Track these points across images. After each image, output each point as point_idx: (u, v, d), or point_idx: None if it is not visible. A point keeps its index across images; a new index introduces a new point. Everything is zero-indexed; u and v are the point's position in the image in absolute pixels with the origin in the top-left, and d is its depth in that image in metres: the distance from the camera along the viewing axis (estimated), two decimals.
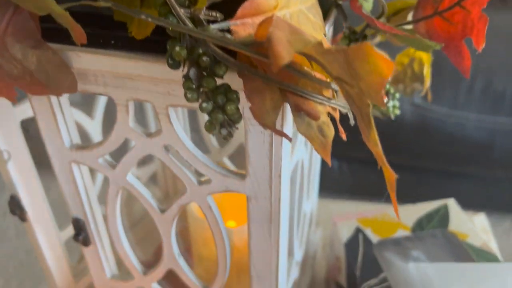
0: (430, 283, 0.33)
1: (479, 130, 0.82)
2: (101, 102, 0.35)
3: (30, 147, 0.31)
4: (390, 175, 0.13)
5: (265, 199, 0.23)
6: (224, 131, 0.16)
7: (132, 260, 0.30)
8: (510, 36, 0.83)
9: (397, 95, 0.28)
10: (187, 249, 0.38)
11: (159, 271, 0.29)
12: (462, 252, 0.36)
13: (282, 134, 0.16)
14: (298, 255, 0.34)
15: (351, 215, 0.39)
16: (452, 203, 0.40)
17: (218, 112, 0.16)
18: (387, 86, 0.27)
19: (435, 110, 0.82)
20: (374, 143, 0.14)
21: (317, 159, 0.38)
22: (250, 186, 0.23)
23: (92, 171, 0.32)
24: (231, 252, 0.32)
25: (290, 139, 0.17)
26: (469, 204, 0.53)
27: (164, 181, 0.45)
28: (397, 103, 0.28)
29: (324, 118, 0.18)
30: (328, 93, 0.19)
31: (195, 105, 0.17)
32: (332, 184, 0.97)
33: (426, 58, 0.30)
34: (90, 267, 0.32)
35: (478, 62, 0.80)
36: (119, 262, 0.33)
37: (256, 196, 0.23)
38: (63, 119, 0.25)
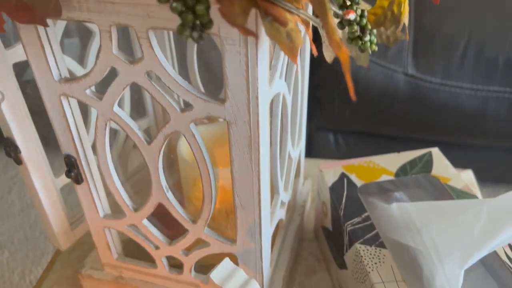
0: (411, 219, 0.34)
1: (472, 99, 0.83)
2: (93, 50, 0.36)
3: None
4: (344, 55, 0.14)
5: (245, 123, 0.24)
6: (195, 34, 0.17)
7: (123, 196, 0.31)
8: (500, 3, 0.83)
9: (375, 32, 0.29)
10: (181, 195, 0.39)
11: (149, 205, 0.31)
12: (444, 193, 0.37)
13: (250, 33, 0.18)
14: (284, 196, 0.35)
15: (337, 163, 0.40)
16: (436, 151, 0.42)
17: (188, 13, 0.17)
18: (364, 20, 0.28)
19: (428, 80, 0.83)
20: (332, 30, 0.15)
21: (303, 107, 0.39)
22: (229, 110, 0.24)
23: (85, 121, 0.34)
24: (218, 191, 0.33)
25: (255, 36, 0.18)
26: None
27: None
28: (374, 39, 0.29)
29: (293, 26, 0.19)
30: (299, 5, 0.20)
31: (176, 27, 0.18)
32: (328, 155, 0.98)
33: None
34: (83, 206, 0.33)
35: (470, 31, 0.81)
36: (112, 206, 0.34)
37: (235, 120, 0.24)
38: (51, 52, 0.26)
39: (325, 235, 0.41)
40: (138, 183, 0.46)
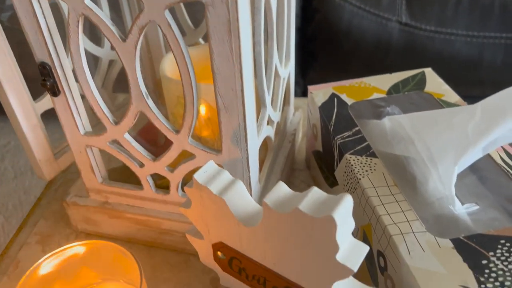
0: (403, 130, 0.33)
1: (468, 45, 0.81)
2: None
3: None
4: None
5: (222, 3, 0.23)
6: None
7: (102, 108, 0.30)
8: None
9: None
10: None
11: (129, 116, 0.29)
12: (437, 107, 0.36)
13: None
14: (272, 112, 0.34)
15: (327, 85, 0.39)
16: (429, 70, 0.40)
17: None
18: None
19: (423, 28, 0.81)
20: None
21: (290, 25, 0.37)
22: None
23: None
24: (204, 106, 0.32)
25: None
26: None
27: None
28: None
29: None
30: None
31: None
32: None
33: None
34: (62, 125, 0.32)
35: None
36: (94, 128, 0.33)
37: (212, 1, 0.23)
38: None
39: (316, 160, 0.40)
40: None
